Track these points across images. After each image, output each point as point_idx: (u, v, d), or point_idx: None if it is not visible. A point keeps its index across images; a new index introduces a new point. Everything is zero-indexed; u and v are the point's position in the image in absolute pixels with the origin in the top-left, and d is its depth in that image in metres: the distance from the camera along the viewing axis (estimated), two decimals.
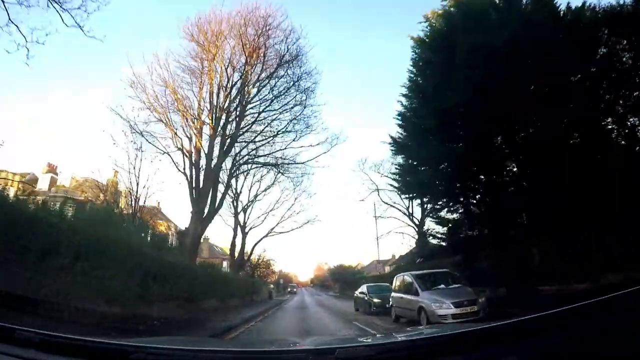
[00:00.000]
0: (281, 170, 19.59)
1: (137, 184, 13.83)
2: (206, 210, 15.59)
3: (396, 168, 17.34)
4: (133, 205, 13.91)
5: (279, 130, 17.04)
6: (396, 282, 11.23)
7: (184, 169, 15.63)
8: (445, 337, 1.42)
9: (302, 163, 18.14)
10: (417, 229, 25.73)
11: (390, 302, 11.36)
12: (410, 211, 26.86)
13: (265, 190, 27.75)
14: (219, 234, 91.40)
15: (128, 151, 14.27)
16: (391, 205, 27.77)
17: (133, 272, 8.13)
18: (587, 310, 1.07)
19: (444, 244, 20.25)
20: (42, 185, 28.81)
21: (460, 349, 1.16)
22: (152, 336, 4.50)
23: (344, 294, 41.47)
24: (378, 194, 28.54)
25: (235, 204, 26.91)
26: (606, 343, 1.01)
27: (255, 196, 27.52)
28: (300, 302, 26.84)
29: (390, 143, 15.49)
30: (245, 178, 26.95)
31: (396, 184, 17.73)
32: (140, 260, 8.69)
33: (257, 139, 17.29)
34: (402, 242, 29.43)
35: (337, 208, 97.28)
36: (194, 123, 17.01)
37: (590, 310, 1.07)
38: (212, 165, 15.41)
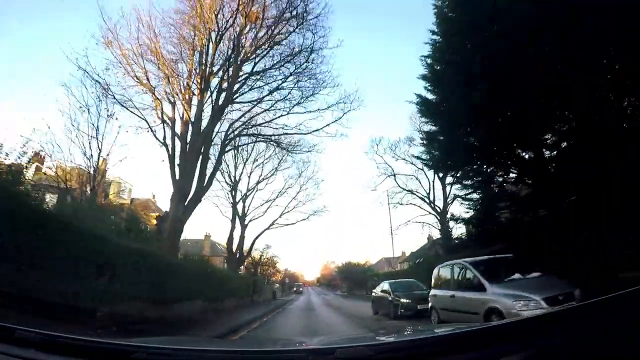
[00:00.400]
0: (283, 146, 16.60)
1: (100, 150, 10.96)
2: (192, 191, 12.72)
3: (424, 133, 14.30)
4: (90, 175, 11.01)
5: (280, 85, 13.90)
6: (439, 275, 8.26)
7: (164, 139, 12.79)
8: (445, 337, 1.43)
9: (309, 133, 15.11)
10: (439, 218, 22.57)
11: (430, 303, 8.40)
12: (432, 198, 23.65)
13: (268, 177, 25.04)
14: (219, 229, 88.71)
15: (88, 107, 11.36)
16: (409, 192, 24.50)
17: (52, 254, 5.34)
18: (587, 310, 1.07)
19: (471, 230, 17.42)
20: (29, 174, 26.88)
21: (461, 349, 1.13)
22: None
23: (352, 294, 38.87)
24: (394, 179, 25.31)
25: (233, 193, 24.14)
26: (606, 343, 0.98)
27: (257, 183, 24.75)
28: (306, 303, 23.88)
29: (417, 103, 12.49)
30: (244, 164, 24.34)
31: (422, 157, 14.62)
32: (77, 240, 5.88)
33: (254, 101, 14.27)
34: (422, 232, 25.73)
35: (345, 202, 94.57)
36: (181, 92, 14.23)
37: (590, 310, 1.06)
38: (200, 132, 12.52)
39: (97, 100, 11.52)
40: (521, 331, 1.13)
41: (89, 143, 10.98)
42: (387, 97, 79.09)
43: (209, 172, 13.39)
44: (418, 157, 14.89)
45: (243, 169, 24.11)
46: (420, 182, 24.55)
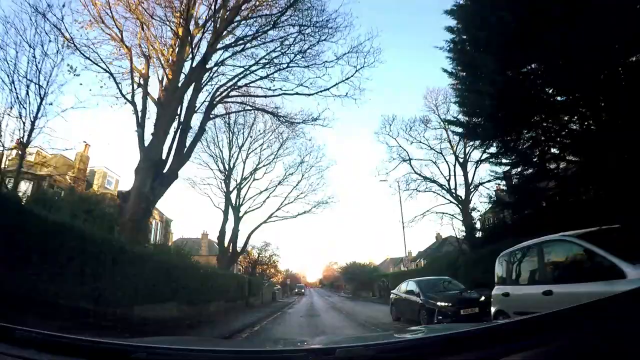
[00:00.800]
0: (282, 118, 13.85)
1: (42, 97, 8.25)
2: (168, 165, 10.12)
3: (457, 88, 11.65)
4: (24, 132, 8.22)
5: (277, 21, 11.04)
6: (513, 264, 5.57)
7: (133, 97, 10.20)
8: (445, 337, 1.38)
9: (314, 93, 12.28)
10: (461, 207, 19.69)
11: (493, 307, 5.73)
12: (453, 185, 20.60)
13: (266, 165, 22.43)
14: (217, 227, 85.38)
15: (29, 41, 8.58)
16: (427, 179, 21.41)
17: None
18: (587, 310, 1.06)
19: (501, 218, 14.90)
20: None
21: (461, 349, 1.11)
22: None
23: (358, 295, 36.11)
24: (410, 164, 22.20)
25: (227, 181, 21.51)
26: (606, 343, 0.96)
27: (254, 171, 22.16)
28: (308, 306, 21.11)
29: (449, 49, 9.84)
30: (239, 150, 21.77)
31: (456, 120, 11.89)
32: None
33: (242, 42, 11.50)
34: (441, 223, 22.06)
35: (350, 198, 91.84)
36: (163, 54, 11.73)
37: (590, 310, 1.06)
38: (178, 88, 9.96)
39: (35, 26, 8.64)
40: (521, 331, 1.12)
41: (27, 87, 8.19)
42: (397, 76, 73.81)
43: (189, 141, 10.74)
44: (450, 121, 12.15)
45: (238, 154, 21.61)
46: (439, 168, 21.67)
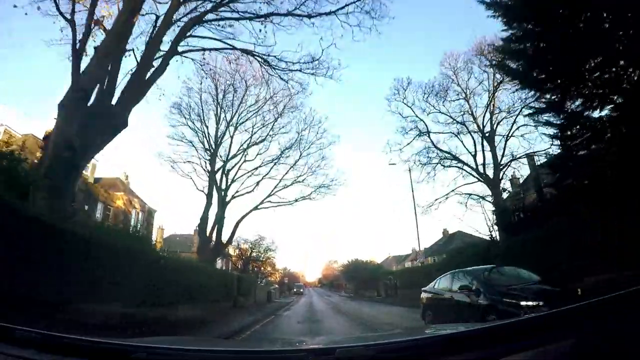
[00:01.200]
0: (270, 57, 10.71)
1: None
2: (111, 104, 7.14)
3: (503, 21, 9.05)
4: None
5: None
6: None
7: (72, 14, 7.26)
8: (446, 337, 1.42)
9: (316, 15, 9.09)
10: (491, 188, 16.65)
11: None
12: (482, 161, 17.49)
13: (258, 142, 19.50)
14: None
15: None
16: (453, 157, 18.15)
17: None
18: (588, 310, 1.06)
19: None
20: None
21: (461, 349, 1.10)
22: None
23: (361, 295, 33.27)
24: (429, 136, 18.93)
25: (212, 159, 18.52)
26: (607, 342, 0.97)
27: (245, 149, 19.18)
28: (307, 308, 18.10)
29: None
30: (228, 125, 18.81)
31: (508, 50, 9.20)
32: None
33: None
34: (465, 208, 18.41)
35: (351, 191, 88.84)
36: None
37: (591, 310, 1.05)
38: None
39: None
40: (521, 331, 1.11)
41: None
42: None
43: (149, 73, 7.78)
44: (503, 50, 9.54)
45: (226, 129, 18.62)
46: (462, 142, 18.58)
